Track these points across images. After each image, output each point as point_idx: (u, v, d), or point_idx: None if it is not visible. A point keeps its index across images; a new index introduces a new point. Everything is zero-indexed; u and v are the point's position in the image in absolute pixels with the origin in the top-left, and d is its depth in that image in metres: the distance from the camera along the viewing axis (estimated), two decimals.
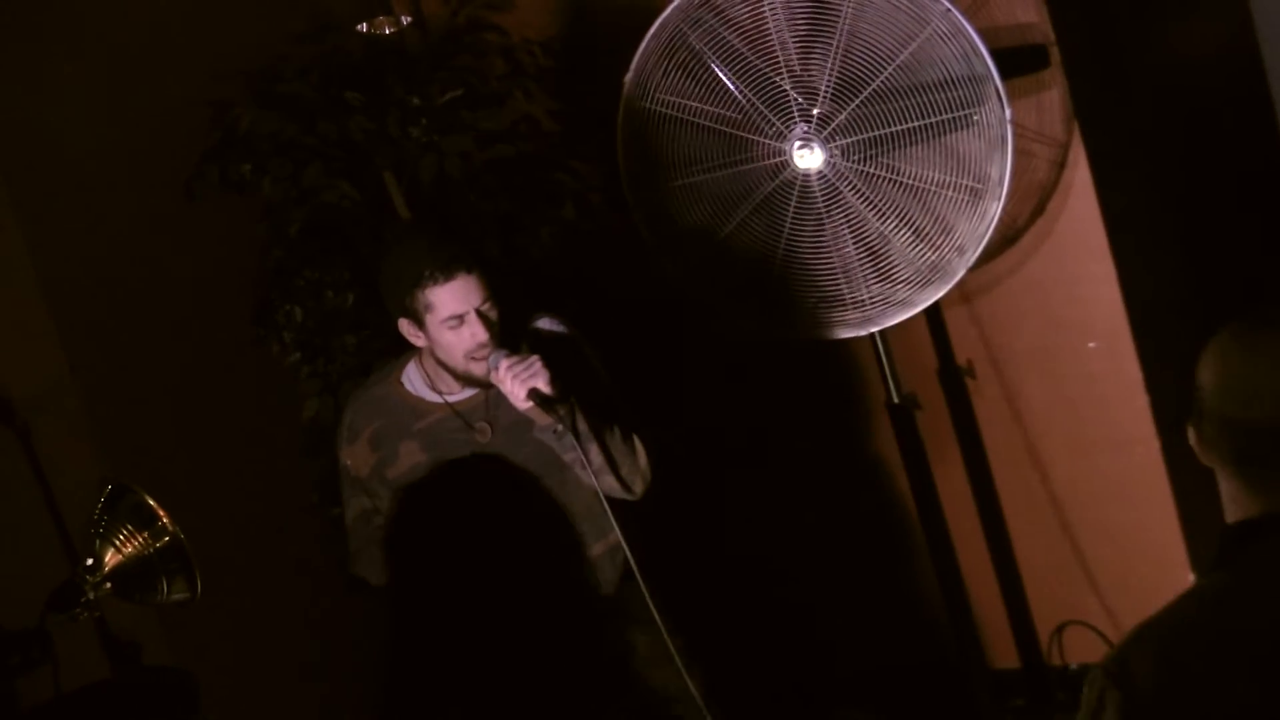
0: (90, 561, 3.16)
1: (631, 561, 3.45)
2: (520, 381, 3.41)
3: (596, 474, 3.47)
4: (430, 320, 3.48)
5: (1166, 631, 2.10)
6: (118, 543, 3.16)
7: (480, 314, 3.46)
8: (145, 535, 3.15)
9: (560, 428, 3.42)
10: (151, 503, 3.15)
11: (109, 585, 3.16)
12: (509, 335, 3.54)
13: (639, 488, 3.60)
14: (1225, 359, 2.17)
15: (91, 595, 3.14)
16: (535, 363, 3.43)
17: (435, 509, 2.23)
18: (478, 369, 3.50)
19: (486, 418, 3.58)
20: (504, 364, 3.44)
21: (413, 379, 3.65)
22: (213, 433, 4.46)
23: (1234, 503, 2.18)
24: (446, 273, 3.43)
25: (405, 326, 3.54)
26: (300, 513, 4.53)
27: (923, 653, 4.76)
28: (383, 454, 3.63)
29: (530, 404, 3.42)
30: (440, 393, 3.62)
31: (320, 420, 4.45)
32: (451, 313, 3.45)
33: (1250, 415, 2.13)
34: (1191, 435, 2.22)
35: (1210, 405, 2.17)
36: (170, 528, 3.14)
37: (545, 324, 3.68)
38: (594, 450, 3.48)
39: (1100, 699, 2.08)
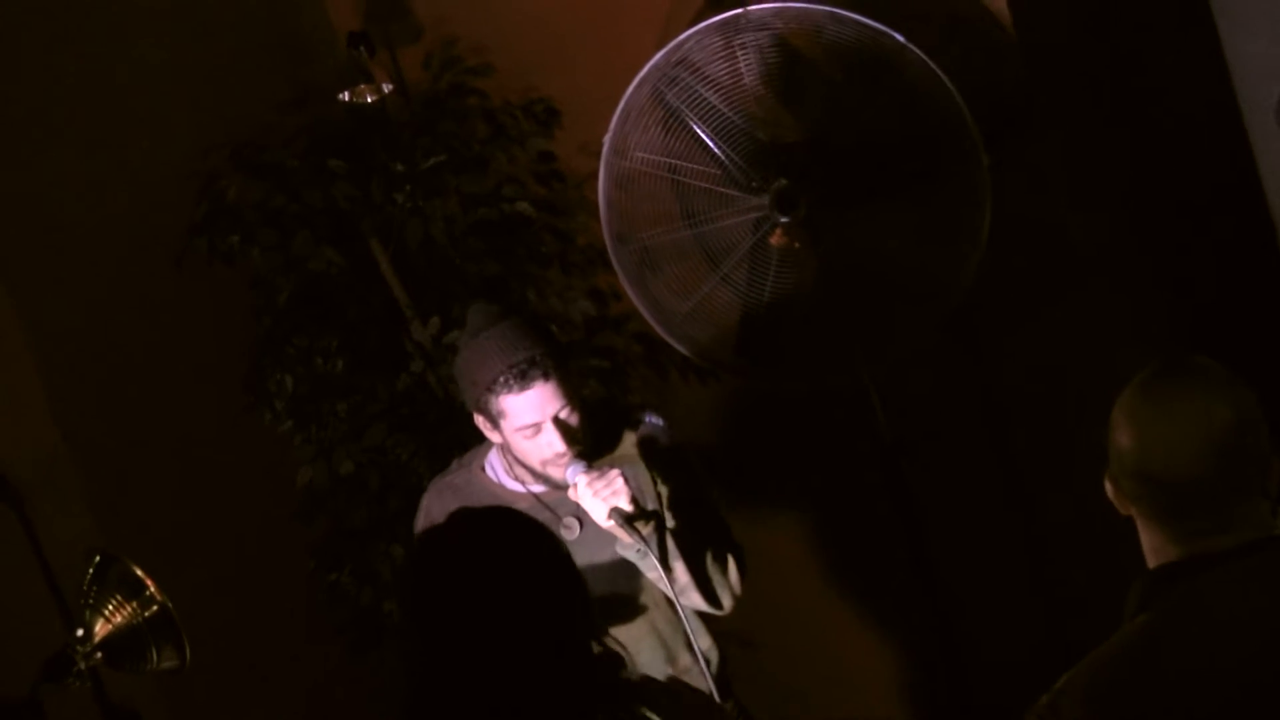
0: (81, 632, 3.17)
1: (708, 678, 3.30)
2: (601, 500, 3.18)
3: (681, 592, 3.26)
4: (504, 425, 3.25)
5: (1096, 676, 2.11)
6: (107, 612, 3.17)
7: (558, 421, 3.23)
8: (134, 604, 3.16)
9: (641, 548, 3.18)
10: (139, 572, 3.16)
11: (100, 655, 3.17)
12: (603, 432, 3.37)
13: (728, 603, 3.41)
14: (1139, 419, 2.19)
15: (83, 665, 3.15)
16: (616, 479, 3.19)
17: (514, 604, 2.20)
18: (555, 474, 3.28)
19: (575, 513, 3.33)
20: (583, 480, 3.20)
21: (495, 467, 3.44)
22: (207, 501, 4.47)
23: (1155, 552, 2.20)
24: (522, 382, 3.19)
25: (481, 422, 3.33)
26: (297, 579, 4.56)
27: (917, 702, 4.76)
28: None
29: (612, 522, 3.18)
30: (524, 483, 3.40)
31: (314, 487, 4.48)
32: (526, 423, 3.22)
33: (1170, 473, 2.15)
34: (1110, 489, 2.24)
35: (1129, 464, 2.19)
36: (158, 597, 3.15)
37: (643, 420, 3.47)
38: (680, 568, 3.29)
39: None
